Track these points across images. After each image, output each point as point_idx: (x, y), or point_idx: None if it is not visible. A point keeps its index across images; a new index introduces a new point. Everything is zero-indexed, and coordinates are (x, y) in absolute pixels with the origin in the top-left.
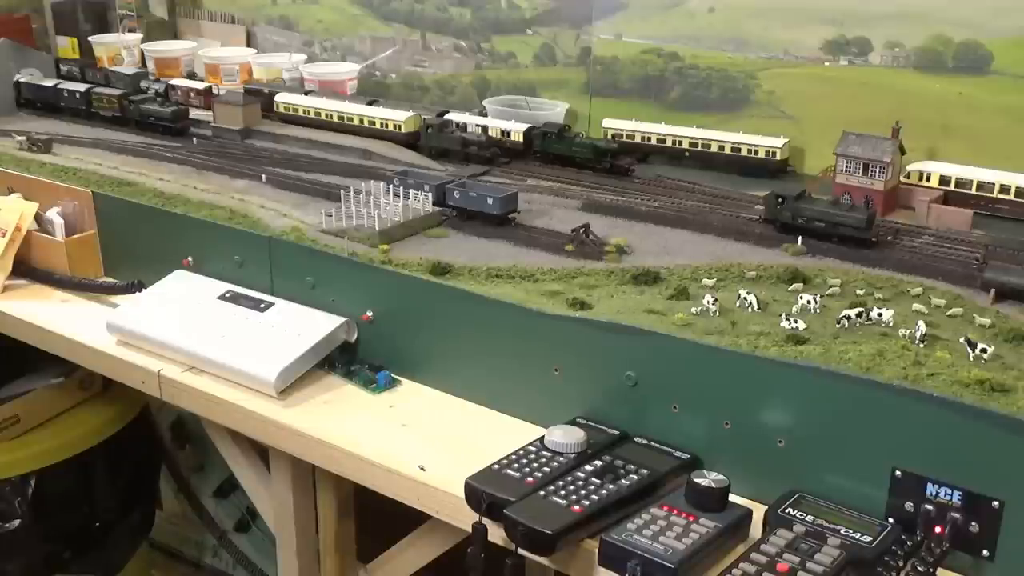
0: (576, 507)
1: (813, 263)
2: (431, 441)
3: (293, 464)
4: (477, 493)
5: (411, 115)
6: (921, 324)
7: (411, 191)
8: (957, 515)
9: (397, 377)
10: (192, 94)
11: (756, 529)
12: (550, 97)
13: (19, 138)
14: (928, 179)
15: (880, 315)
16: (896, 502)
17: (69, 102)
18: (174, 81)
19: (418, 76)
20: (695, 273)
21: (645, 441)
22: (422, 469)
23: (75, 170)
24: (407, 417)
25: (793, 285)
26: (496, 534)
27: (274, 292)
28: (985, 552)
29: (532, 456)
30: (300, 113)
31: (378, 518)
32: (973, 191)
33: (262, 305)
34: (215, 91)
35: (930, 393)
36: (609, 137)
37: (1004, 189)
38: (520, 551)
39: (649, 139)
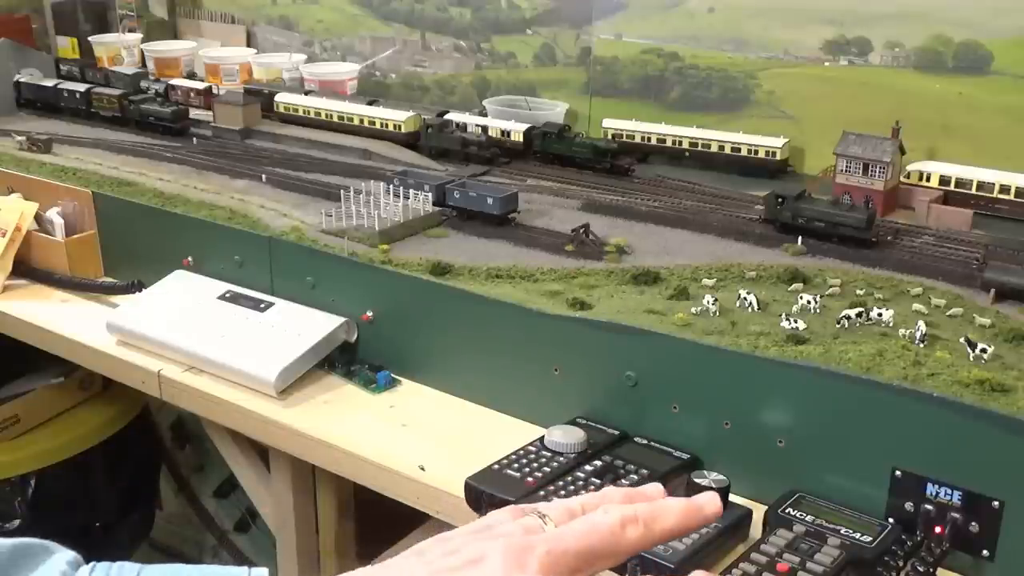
0: None
1: (813, 263)
2: (431, 441)
3: (293, 464)
4: (477, 493)
5: (411, 115)
6: (921, 324)
7: (411, 191)
8: (957, 515)
9: (397, 377)
10: (192, 94)
11: (756, 529)
12: (550, 97)
13: (19, 138)
14: (928, 179)
15: (880, 315)
16: (896, 502)
17: (69, 102)
18: (174, 81)
19: (418, 76)
20: (695, 273)
21: (645, 441)
22: (422, 469)
23: (75, 170)
24: (407, 417)
25: (793, 285)
26: None
27: (274, 292)
28: (985, 552)
29: (532, 456)
30: (300, 113)
31: (378, 518)
32: (973, 191)
33: (262, 305)
34: (215, 91)
35: (930, 393)
36: (609, 137)
37: (1004, 189)
38: None
39: (649, 139)
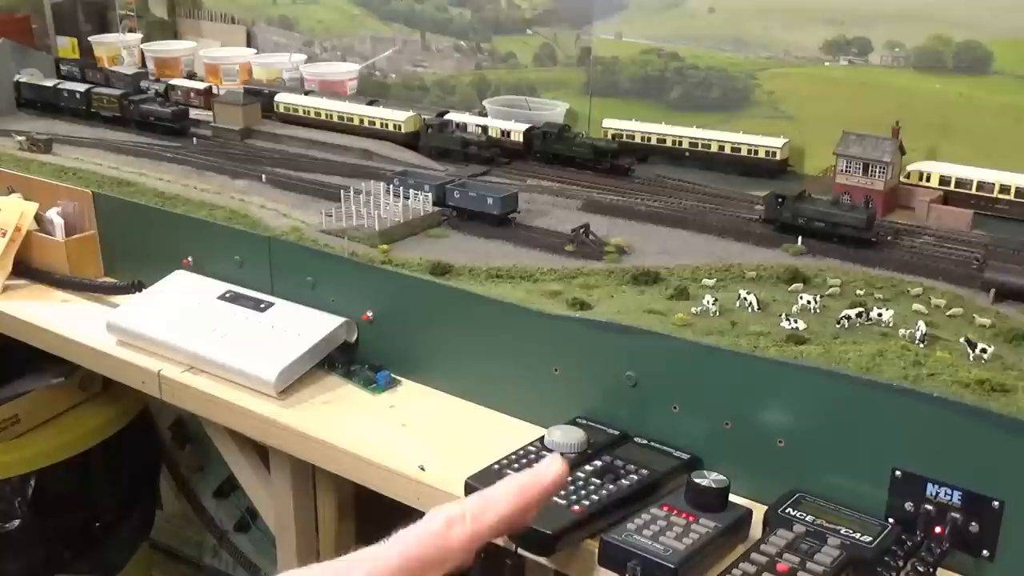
0: (576, 507)
1: (813, 263)
2: (431, 441)
3: (293, 464)
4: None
5: (411, 115)
6: (921, 324)
7: (411, 191)
8: (957, 515)
9: (397, 377)
10: (192, 94)
11: (756, 529)
12: (550, 97)
13: (19, 138)
14: (928, 179)
15: (880, 315)
16: (896, 502)
17: (69, 102)
18: (174, 81)
19: (418, 76)
20: (695, 273)
21: (645, 441)
22: (422, 469)
23: (75, 170)
24: (407, 417)
25: (793, 285)
26: None
27: (274, 292)
28: (985, 552)
29: (532, 456)
30: (300, 113)
31: (378, 518)
32: (973, 191)
33: (262, 305)
34: (215, 91)
35: (930, 393)
36: (609, 137)
37: (1004, 189)
38: (520, 551)
39: (649, 139)
